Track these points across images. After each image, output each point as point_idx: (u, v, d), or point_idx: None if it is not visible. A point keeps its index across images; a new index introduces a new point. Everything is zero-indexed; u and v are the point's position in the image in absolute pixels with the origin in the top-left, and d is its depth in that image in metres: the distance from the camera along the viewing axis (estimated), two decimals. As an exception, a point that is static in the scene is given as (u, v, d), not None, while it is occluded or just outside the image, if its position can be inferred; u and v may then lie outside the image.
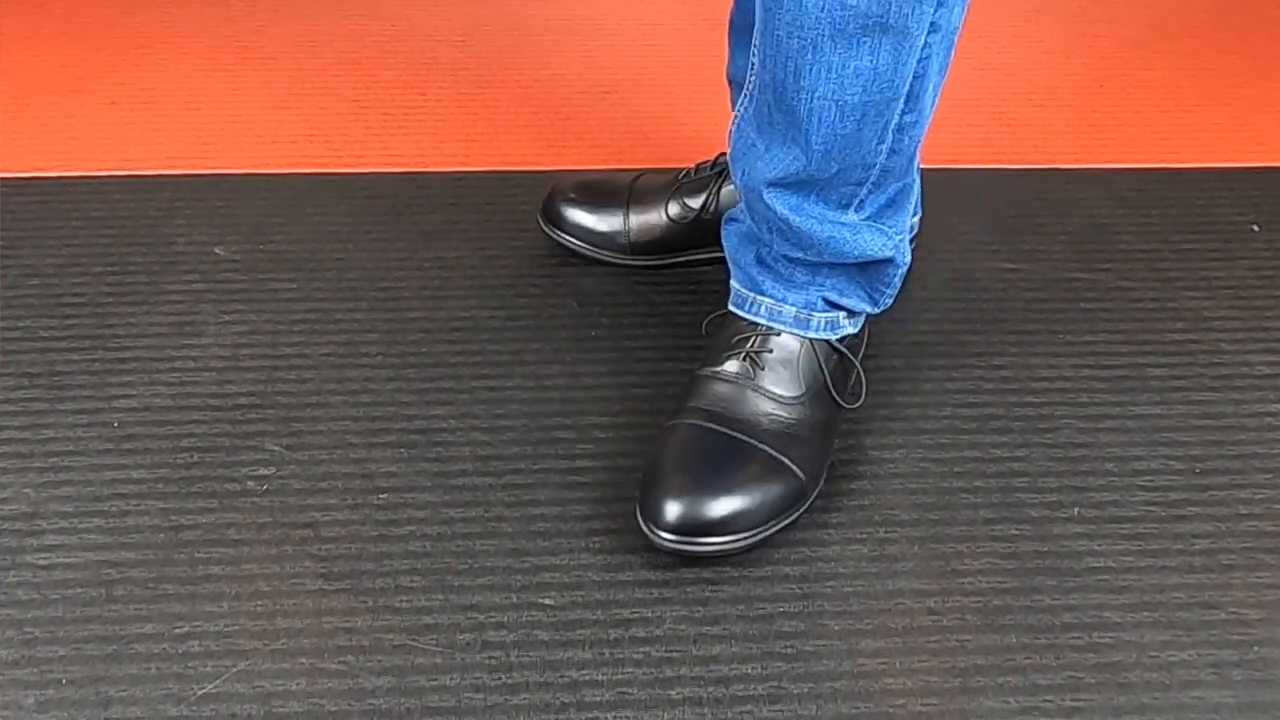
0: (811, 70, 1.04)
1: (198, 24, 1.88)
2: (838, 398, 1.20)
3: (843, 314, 1.21)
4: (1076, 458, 1.22)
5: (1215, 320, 1.38)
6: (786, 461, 1.14)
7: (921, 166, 1.62)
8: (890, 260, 1.19)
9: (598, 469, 1.20)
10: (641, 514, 1.11)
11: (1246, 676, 1.04)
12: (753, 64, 1.10)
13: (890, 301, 1.22)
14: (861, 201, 1.15)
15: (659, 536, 1.10)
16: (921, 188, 1.23)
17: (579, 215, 1.40)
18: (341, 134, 1.67)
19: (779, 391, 1.18)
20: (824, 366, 1.20)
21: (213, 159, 1.61)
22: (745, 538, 1.11)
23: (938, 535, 1.15)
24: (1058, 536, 1.14)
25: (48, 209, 1.51)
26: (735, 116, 1.16)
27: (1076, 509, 1.17)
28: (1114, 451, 1.22)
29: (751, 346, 1.19)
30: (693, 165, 1.40)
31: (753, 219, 1.18)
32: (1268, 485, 1.19)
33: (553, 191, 1.42)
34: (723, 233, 1.25)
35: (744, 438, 1.14)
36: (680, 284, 1.42)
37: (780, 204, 1.13)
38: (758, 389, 1.17)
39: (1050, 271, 1.44)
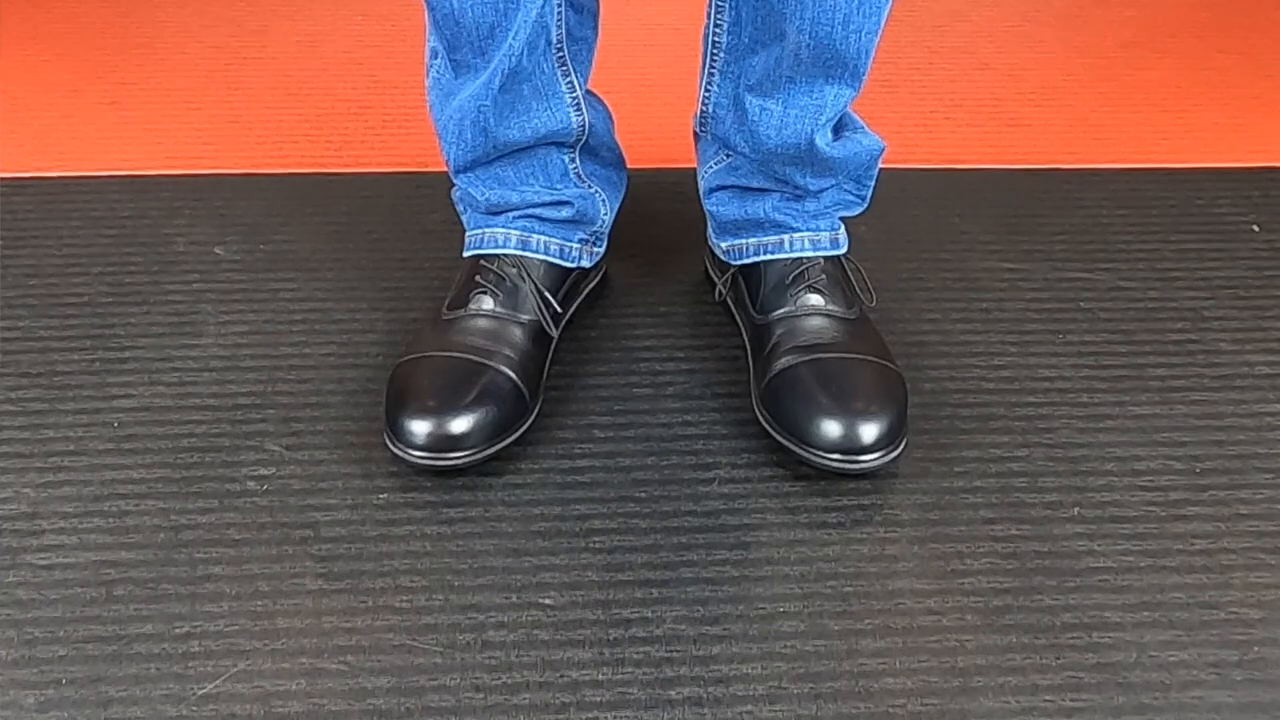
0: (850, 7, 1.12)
1: (198, 24, 1.88)
2: (866, 298, 1.30)
3: (844, 227, 1.31)
4: (1076, 458, 1.22)
5: (1215, 320, 1.38)
6: (893, 366, 1.22)
7: (921, 167, 1.62)
8: (882, 150, 1.28)
9: (597, 469, 1.20)
10: (814, 444, 1.16)
11: (1246, 676, 1.04)
12: (719, 44, 1.21)
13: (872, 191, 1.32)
14: (849, 112, 1.26)
15: (824, 458, 1.16)
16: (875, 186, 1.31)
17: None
18: (341, 134, 1.67)
19: (840, 311, 1.25)
20: (852, 278, 1.29)
21: (213, 159, 1.61)
22: (895, 449, 1.17)
23: (938, 535, 1.15)
24: (1058, 536, 1.14)
25: (48, 209, 1.51)
26: (710, 100, 1.24)
27: (1076, 509, 1.17)
28: (1114, 451, 1.22)
29: (812, 279, 1.26)
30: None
31: (777, 179, 1.25)
32: (1268, 485, 1.19)
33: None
34: (714, 203, 1.31)
35: (872, 359, 1.21)
36: (680, 284, 1.42)
37: (827, 145, 1.21)
38: (831, 315, 1.24)
39: (1050, 271, 1.44)
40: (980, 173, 1.60)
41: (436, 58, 1.23)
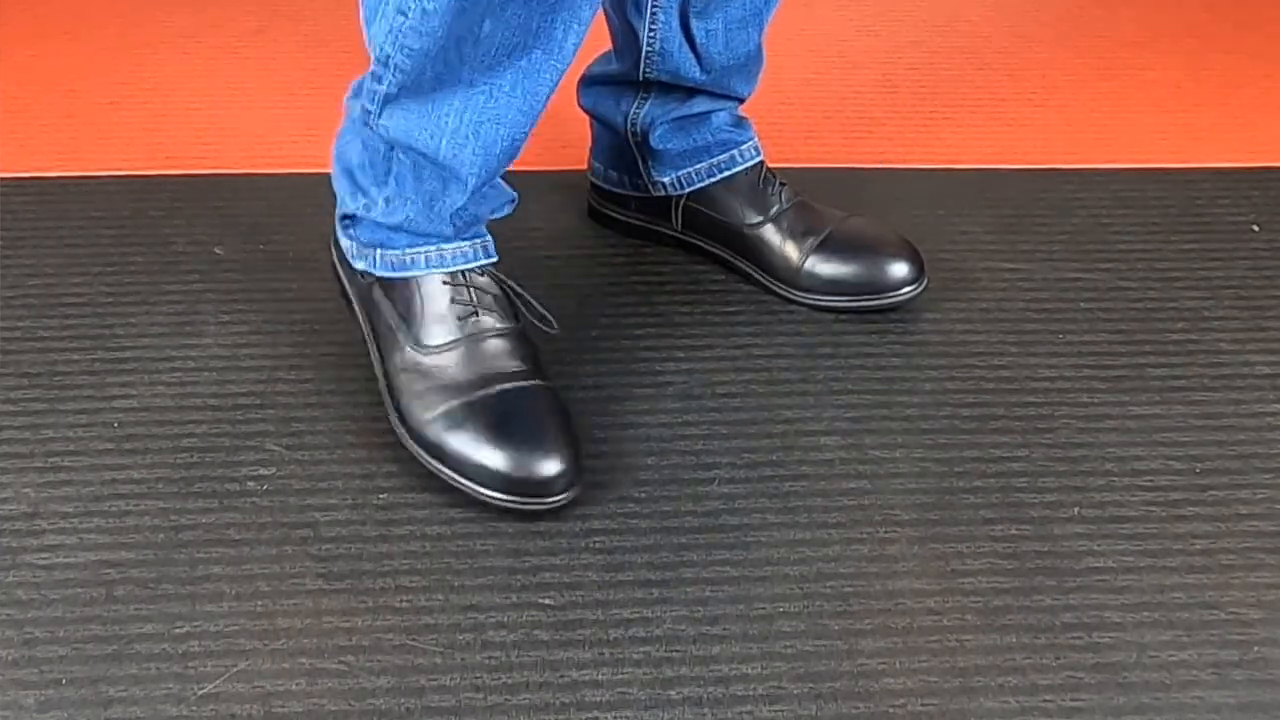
0: None
1: (198, 24, 1.88)
2: None
3: None
4: (1076, 458, 1.22)
5: (1215, 320, 1.38)
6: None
7: (921, 166, 1.62)
8: None
9: (598, 469, 1.20)
10: (883, 289, 1.37)
11: (1246, 676, 1.04)
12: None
13: None
14: None
15: (895, 296, 1.37)
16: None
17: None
18: (341, 134, 1.66)
19: (800, 195, 1.40)
20: None
21: (213, 159, 1.61)
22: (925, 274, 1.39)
23: (938, 535, 1.15)
24: (1058, 536, 1.14)
25: (48, 209, 1.51)
26: (656, 40, 1.32)
27: (1076, 509, 1.17)
28: (1114, 451, 1.22)
29: (772, 177, 1.40)
30: None
31: (722, 96, 1.37)
32: (1268, 485, 1.19)
33: None
34: (658, 139, 1.38)
35: (857, 215, 1.40)
36: (680, 284, 1.42)
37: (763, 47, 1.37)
38: (803, 201, 1.40)
39: (1050, 271, 1.44)
40: (980, 173, 1.60)
41: (388, 76, 1.14)
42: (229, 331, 1.34)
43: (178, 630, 1.06)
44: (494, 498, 1.13)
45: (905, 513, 1.16)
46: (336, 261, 1.29)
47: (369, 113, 1.17)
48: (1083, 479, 1.20)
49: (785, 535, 1.14)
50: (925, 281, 1.36)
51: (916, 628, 1.07)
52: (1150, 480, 1.20)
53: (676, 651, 1.05)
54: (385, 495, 1.17)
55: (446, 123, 1.14)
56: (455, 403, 1.16)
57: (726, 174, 1.39)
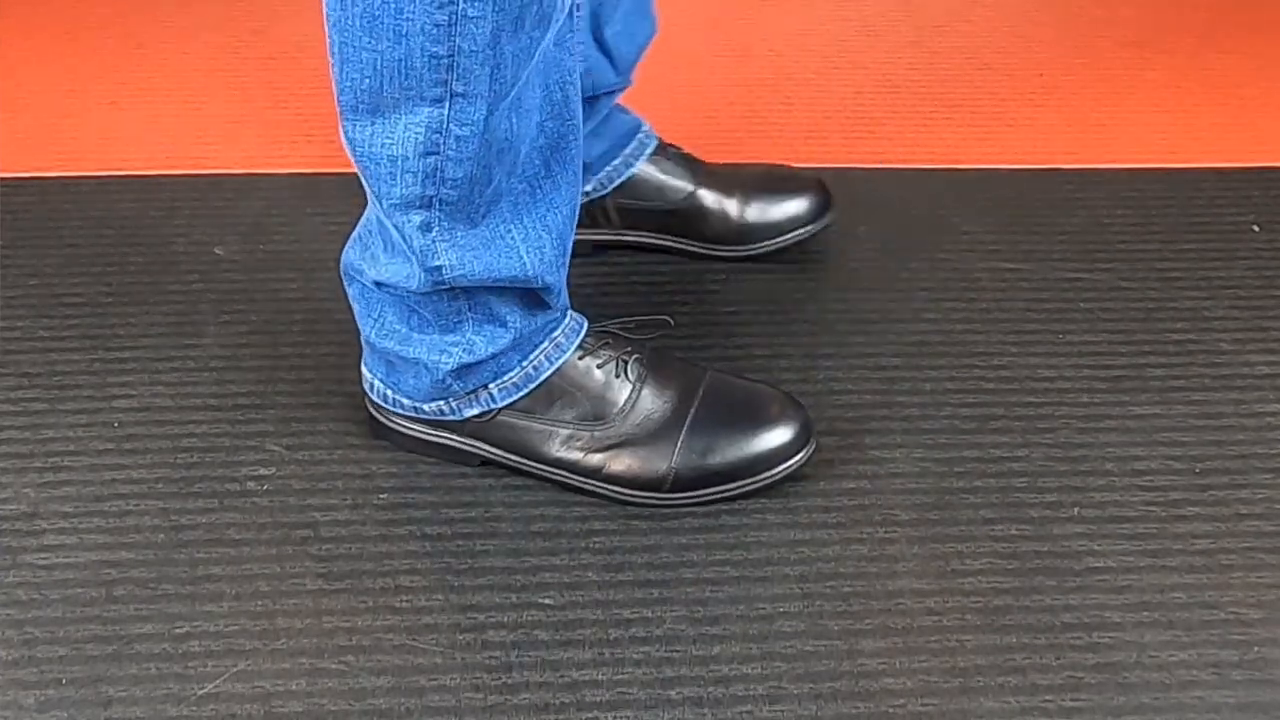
0: None
1: (198, 24, 1.88)
2: None
3: None
4: (1076, 458, 1.22)
5: (1215, 320, 1.38)
6: None
7: (921, 167, 1.62)
8: None
9: (598, 469, 1.20)
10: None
11: (1246, 676, 1.04)
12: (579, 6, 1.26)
13: None
14: None
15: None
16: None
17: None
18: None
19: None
20: None
21: (213, 159, 1.61)
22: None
23: (938, 535, 1.15)
24: (1058, 536, 1.14)
25: (48, 209, 1.51)
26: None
27: (1076, 509, 1.17)
28: (1114, 451, 1.22)
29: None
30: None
31: (624, 84, 1.36)
32: (1268, 485, 1.19)
33: None
34: (607, 175, 1.39)
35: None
36: (680, 284, 1.42)
37: None
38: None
39: (1050, 271, 1.44)
40: (980, 173, 1.60)
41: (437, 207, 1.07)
42: (229, 331, 1.34)
43: (178, 630, 1.06)
44: (787, 467, 1.15)
45: (905, 513, 1.16)
46: (399, 426, 1.20)
47: (437, 269, 1.08)
48: (1083, 479, 1.20)
49: (785, 535, 1.14)
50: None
51: (916, 628, 1.07)
52: (1150, 480, 1.20)
53: (676, 651, 1.05)
54: (385, 495, 1.17)
55: (515, 237, 1.08)
56: (684, 434, 1.15)
57: (640, 159, 1.40)
